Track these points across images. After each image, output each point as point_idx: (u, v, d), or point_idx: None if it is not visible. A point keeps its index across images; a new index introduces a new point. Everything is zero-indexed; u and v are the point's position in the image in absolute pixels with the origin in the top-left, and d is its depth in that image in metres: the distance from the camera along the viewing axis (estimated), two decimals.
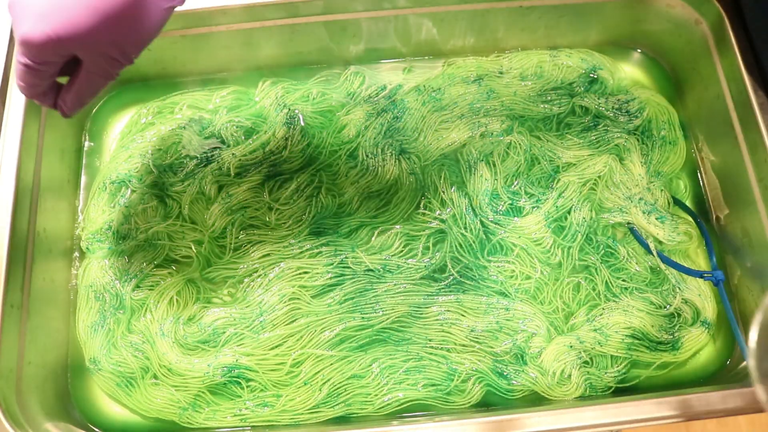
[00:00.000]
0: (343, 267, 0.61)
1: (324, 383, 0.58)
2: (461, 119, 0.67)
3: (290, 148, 0.65)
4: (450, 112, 0.67)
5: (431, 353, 0.59)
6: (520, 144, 0.66)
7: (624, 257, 0.62)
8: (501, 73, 0.70)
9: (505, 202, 0.64)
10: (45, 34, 0.39)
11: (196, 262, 0.62)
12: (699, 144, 0.68)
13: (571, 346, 0.58)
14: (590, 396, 0.58)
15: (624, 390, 0.59)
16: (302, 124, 0.67)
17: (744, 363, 0.57)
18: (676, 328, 0.60)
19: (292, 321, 0.59)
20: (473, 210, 0.63)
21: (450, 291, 0.61)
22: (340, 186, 0.65)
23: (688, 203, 0.66)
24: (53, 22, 0.39)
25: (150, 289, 0.62)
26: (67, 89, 0.45)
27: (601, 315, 0.60)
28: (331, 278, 0.61)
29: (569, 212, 0.64)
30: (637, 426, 0.50)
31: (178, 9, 0.63)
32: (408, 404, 0.58)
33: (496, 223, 0.63)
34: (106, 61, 0.43)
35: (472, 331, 0.59)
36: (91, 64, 0.43)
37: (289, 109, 0.67)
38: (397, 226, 0.63)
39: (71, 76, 0.45)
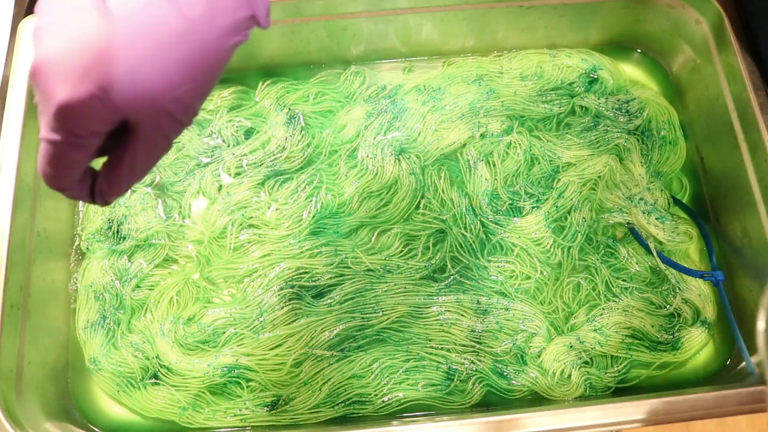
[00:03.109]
0: (343, 267, 0.61)
1: (324, 383, 0.58)
2: (461, 119, 0.67)
3: (290, 148, 0.65)
4: (450, 112, 0.67)
5: (431, 353, 0.59)
6: (520, 144, 0.66)
7: (624, 257, 0.62)
8: (501, 73, 0.70)
9: (505, 202, 0.64)
10: (93, 93, 0.29)
11: (196, 262, 0.62)
12: (699, 144, 0.68)
13: (571, 346, 0.58)
14: (590, 396, 0.58)
15: (624, 390, 0.59)
16: (302, 124, 0.67)
17: (744, 363, 0.57)
18: (676, 328, 0.60)
19: (292, 321, 0.59)
20: (473, 210, 0.63)
21: (450, 291, 0.61)
22: (340, 186, 0.65)
23: (687, 203, 0.66)
24: (102, 76, 0.29)
25: (150, 289, 0.62)
26: (110, 169, 0.34)
27: (601, 315, 0.60)
28: (331, 278, 0.61)
29: (569, 212, 0.64)
30: (637, 426, 0.50)
31: None
32: (408, 404, 0.58)
33: (496, 223, 0.63)
34: (167, 122, 0.32)
35: (472, 331, 0.59)
36: (148, 129, 0.32)
37: (289, 109, 0.67)
38: (397, 226, 0.63)
39: (112, 153, 0.34)
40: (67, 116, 0.30)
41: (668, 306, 0.61)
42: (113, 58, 0.29)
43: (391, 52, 0.71)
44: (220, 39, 0.32)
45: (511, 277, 0.61)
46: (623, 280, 0.62)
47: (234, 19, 0.32)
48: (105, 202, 0.36)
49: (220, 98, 0.69)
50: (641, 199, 0.64)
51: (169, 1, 0.30)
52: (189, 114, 0.33)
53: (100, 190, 0.35)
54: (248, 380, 0.58)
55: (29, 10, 0.64)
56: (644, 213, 0.63)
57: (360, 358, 0.58)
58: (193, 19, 0.30)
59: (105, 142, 0.32)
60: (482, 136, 0.67)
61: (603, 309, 0.60)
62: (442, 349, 0.59)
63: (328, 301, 0.60)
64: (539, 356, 0.59)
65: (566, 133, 0.67)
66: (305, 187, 0.64)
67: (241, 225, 0.63)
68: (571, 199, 0.64)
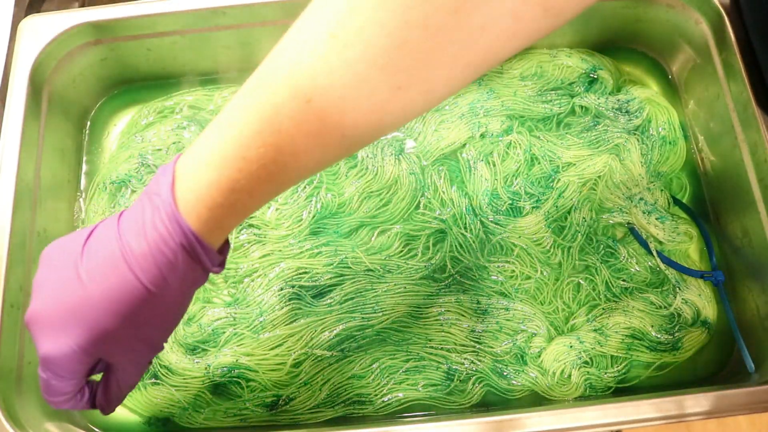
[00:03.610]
0: (343, 267, 0.61)
1: (324, 383, 0.58)
2: (461, 119, 0.67)
3: None
4: (450, 112, 0.67)
5: (431, 353, 0.59)
6: (520, 144, 0.66)
7: (624, 257, 0.62)
8: (501, 73, 0.70)
9: (505, 202, 0.64)
10: (69, 348, 0.36)
11: None
12: (699, 144, 0.68)
13: (571, 346, 0.58)
14: (590, 396, 0.58)
15: (624, 390, 0.59)
16: None
17: (744, 363, 0.57)
18: (676, 328, 0.60)
19: (292, 321, 0.59)
20: (473, 210, 0.63)
21: (450, 291, 0.61)
22: (340, 186, 0.65)
23: (687, 203, 0.66)
24: (76, 333, 0.35)
25: None
26: (103, 390, 0.42)
27: (601, 315, 0.60)
28: (331, 278, 0.61)
29: (569, 212, 0.64)
30: (637, 426, 0.50)
31: (178, 9, 0.63)
32: (408, 404, 0.58)
33: (496, 223, 0.63)
34: (139, 357, 0.40)
35: (472, 331, 0.59)
36: (124, 364, 0.40)
37: None
38: (397, 226, 0.63)
39: (103, 374, 0.42)
40: (49, 363, 0.36)
41: (668, 306, 0.61)
42: (85, 317, 0.35)
43: None
44: (176, 293, 0.37)
45: (511, 277, 0.61)
46: (623, 280, 0.62)
47: (185, 277, 0.36)
48: (107, 413, 0.43)
49: (220, 98, 0.69)
50: (641, 199, 0.64)
51: (128, 269, 0.34)
52: (159, 346, 0.40)
53: (100, 405, 0.42)
54: (248, 380, 0.58)
55: (29, 10, 0.64)
56: (644, 213, 0.63)
57: (360, 358, 0.58)
58: (148, 283, 0.35)
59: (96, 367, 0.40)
60: (482, 136, 0.67)
61: (603, 309, 0.60)
62: (442, 349, 0.59)
63: (328, 301, 0.60)
64: (539, 356, 0.59)
65: (566, 133, 0.67)
66: (305, 187, 0.64)
67: (240, 225, 0.63)
68: (571, 199, 0.64)
